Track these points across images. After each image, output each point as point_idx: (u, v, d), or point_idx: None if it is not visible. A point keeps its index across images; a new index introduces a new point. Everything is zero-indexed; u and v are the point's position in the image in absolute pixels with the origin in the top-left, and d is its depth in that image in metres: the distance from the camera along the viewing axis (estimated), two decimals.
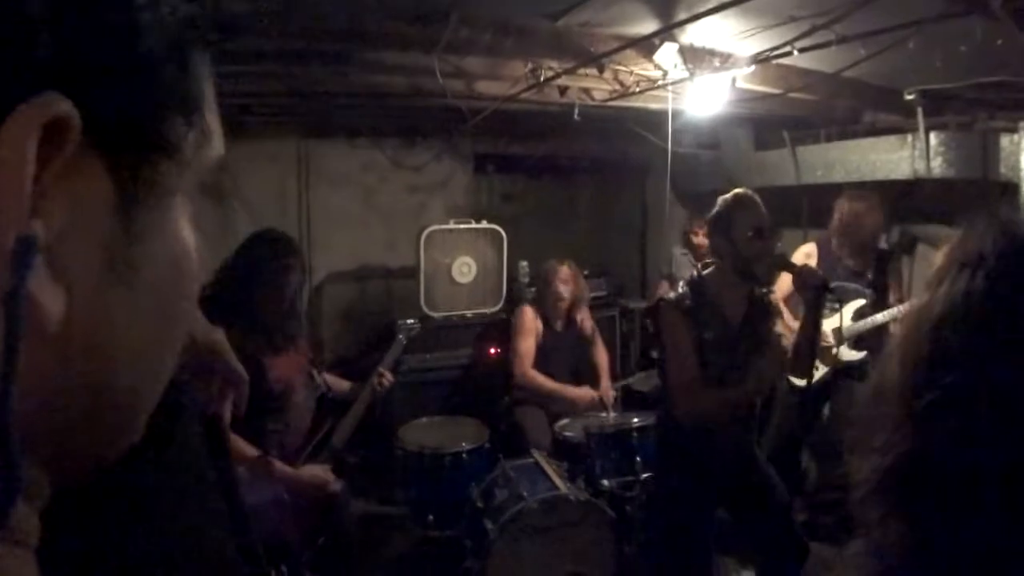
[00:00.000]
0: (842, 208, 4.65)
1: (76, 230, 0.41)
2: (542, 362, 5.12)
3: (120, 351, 0.45)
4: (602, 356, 5.41)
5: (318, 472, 3.24)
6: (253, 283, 3.18)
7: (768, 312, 3.46)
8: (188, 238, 0.51)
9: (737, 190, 3.44)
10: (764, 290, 3.46)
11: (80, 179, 0.41)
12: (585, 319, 5.39)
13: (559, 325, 5.25)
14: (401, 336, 3.97)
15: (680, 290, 3.43)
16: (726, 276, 3.35)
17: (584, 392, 5.02)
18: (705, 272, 3.43)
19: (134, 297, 0.45)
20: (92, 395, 0.44)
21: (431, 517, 4.33)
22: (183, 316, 0.52)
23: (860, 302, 4.54)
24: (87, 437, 0.45)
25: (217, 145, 0.52)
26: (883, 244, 4.95)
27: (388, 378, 3.76)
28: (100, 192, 0.42)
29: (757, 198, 3.37)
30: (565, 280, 5.16)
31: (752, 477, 3.47)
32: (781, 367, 3.52)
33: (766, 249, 3.31)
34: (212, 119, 0.51)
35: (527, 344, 5.12)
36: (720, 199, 3.41)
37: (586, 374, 5.27)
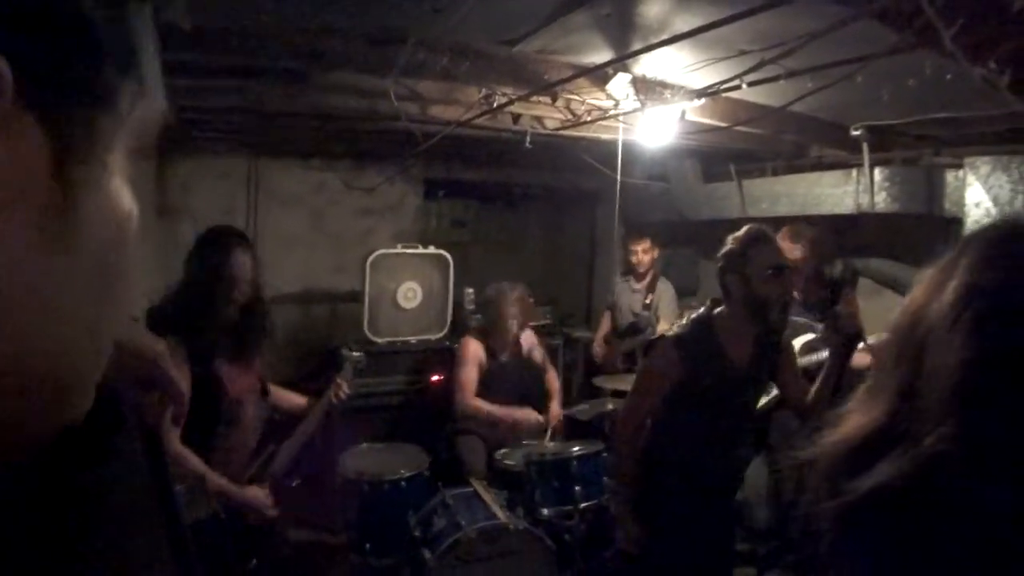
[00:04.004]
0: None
1: (11, 188, 0.40)
2: (487, 391, 5.08)
3: (53, 311, 0.43)
4: (554, 383, 5.40)
5: (258, 494, 3.18)
6: (207, 278, 3.08)
7: (777, 356, 3.31)
8: (128, 200, 0.49)
9: (752, 225, 3.25)
10: (776, 333, 3.28)
11: (13, 135, 0.40)
12: (535, 347, 5.37)
13: (505, 354, 5.21)
14: (348, 366, 3.91)
15: (684, 326, 3.29)
16: (736, 316, 3.17)
17: (527, 414, 5.01)
18: (715, 311, 3.26)
19: (70, 256, 0.43)
20: (19, 355, 0.42)
21: (368, 545, 4.26)
22: (123, 280, 0.50)
23: (808, 336, 4.55)
24: (13, 400, 0.43)
25: (158, 102, 0.50)
26: (836, 273, 5.01)
27: (345, 389, 3.71)
28: (35, 148, 0.41)
29: (773, 235, 3.22)
30: (515, 314, 5.12)
31: (720, 545, 3.39)
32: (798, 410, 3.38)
33: (783, 290, 3.11)
34: (152, 74, 0.49)
35: (469, 374, 5.07)
36: (732, 235, 3.21)
37: (531, 401, 5.23)
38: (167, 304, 3.03)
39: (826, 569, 0.82)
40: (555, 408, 5.19)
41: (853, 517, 0.78)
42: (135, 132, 0.49)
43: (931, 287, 0.82)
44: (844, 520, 0.79)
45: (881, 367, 0.86)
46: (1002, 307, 0.73)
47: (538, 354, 5.35)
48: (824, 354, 4.13)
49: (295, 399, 3.70)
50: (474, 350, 5.14)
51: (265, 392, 3.43)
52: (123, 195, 0.48)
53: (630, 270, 6.38)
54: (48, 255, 0.42)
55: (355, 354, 4.02)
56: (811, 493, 0.84)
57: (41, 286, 0.42)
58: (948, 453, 0.71)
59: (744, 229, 3.22)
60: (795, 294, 4.62)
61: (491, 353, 5.16)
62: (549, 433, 4.93)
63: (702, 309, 3.34)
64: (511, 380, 5.18)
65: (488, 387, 5.09)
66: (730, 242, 3.20)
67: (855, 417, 0.84)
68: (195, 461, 2.89)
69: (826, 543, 0.81)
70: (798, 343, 4.48)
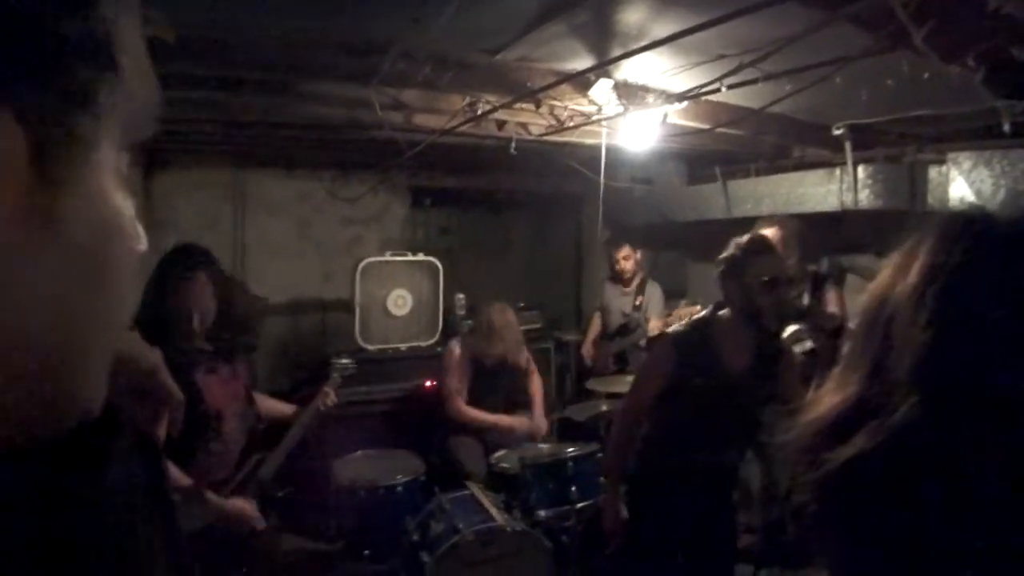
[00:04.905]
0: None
1: None
2: (476, 395, 5.09)
3: (32, 304, 0.44)
4: (537, 388, 5.38)
5: (243, 505, 3.17)
6: (164, 298, 3.04)
7: (776, 364, 3.31)
8: (118, 199, 0.49)
9: (753, 235, 3.28)
10: (775, 340, 3.32)
11: None
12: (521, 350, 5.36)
13: (491, 361, 5.17)
14: (336, 375, 3.91)
15: (686, 325, 3.33)
16: (734, 321, 3.21)
17: (520, 420, 5.02)
18: (719, 312, 3.29)
19: (54, 251, 0.44)
20: (5, 348, 0.43)
21: (367, 552, 4.28)
22: (115, 279, 0.50)
23: (795, 326, 4.55)
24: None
25: (144, 96, 0.50)
26: (822, 269, 5.04)
27: (333, 397, 3.72)
28: (11, 142, 0.41)
29: (773, 244, 3.24)
30: (511, 340, 5.13)
31: (717, 541, 3.39)
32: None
33: (779, 299, 3.13)
34: (136, 67, 0.49)
35: (457, 381, 5.09)
36: (734, 242, 3.23)
37: (521, 404, 5.25)
38: (143, 311, 2.99)
39: (811, 540, 0.85)
40: (538, 417, 5.19)
41: (834, 486, 0.82)
42: (122, 130, 0.48)
43: (896, 270, 0.88)
44: (825, 489, 0.83)
45: (853, 348, 0.91)
46: (960, 284, 0.78)
47: (523, 358, 5.35)
48: (808, 344, 4.19)
49: (281, 407, 3.70)
50: (457, 355, 5.16)
51: (250, 401, 3.42)
52: (111, 195, 0.48)
53: (616, 276, 6.44)
54: (28, 249, 0.42)
55: (343, 361, 4.03)
56: (791, 469, 0.89)
57: (20, 279, 0.42)
58: (918, 421, 0.75)
59: (747, 237, 3.24)
60: None
61: (477, 358, 5.15)
62: (537, 441, 4.94)
63: (705, 312, 3.37)
64: (498, 386, 5.18)
65: (477, 391, 5.11)
66: (732, 247, 3.22)
67: (830, 396, 0.88)
68: (179, 476, 2.88)
69: (809, 515, 0.85)
70: (784, 334, 4.49)
